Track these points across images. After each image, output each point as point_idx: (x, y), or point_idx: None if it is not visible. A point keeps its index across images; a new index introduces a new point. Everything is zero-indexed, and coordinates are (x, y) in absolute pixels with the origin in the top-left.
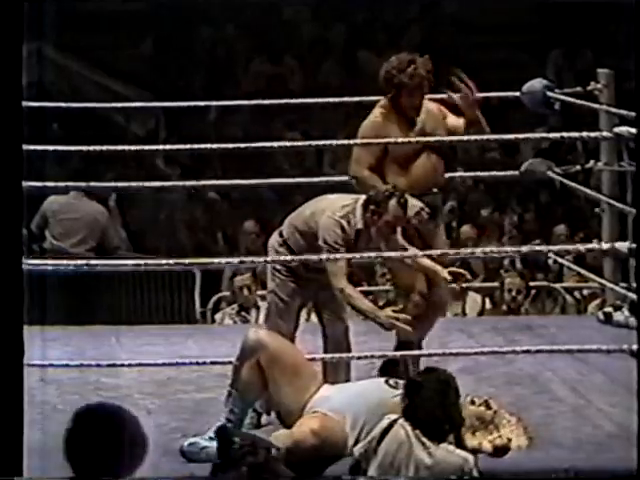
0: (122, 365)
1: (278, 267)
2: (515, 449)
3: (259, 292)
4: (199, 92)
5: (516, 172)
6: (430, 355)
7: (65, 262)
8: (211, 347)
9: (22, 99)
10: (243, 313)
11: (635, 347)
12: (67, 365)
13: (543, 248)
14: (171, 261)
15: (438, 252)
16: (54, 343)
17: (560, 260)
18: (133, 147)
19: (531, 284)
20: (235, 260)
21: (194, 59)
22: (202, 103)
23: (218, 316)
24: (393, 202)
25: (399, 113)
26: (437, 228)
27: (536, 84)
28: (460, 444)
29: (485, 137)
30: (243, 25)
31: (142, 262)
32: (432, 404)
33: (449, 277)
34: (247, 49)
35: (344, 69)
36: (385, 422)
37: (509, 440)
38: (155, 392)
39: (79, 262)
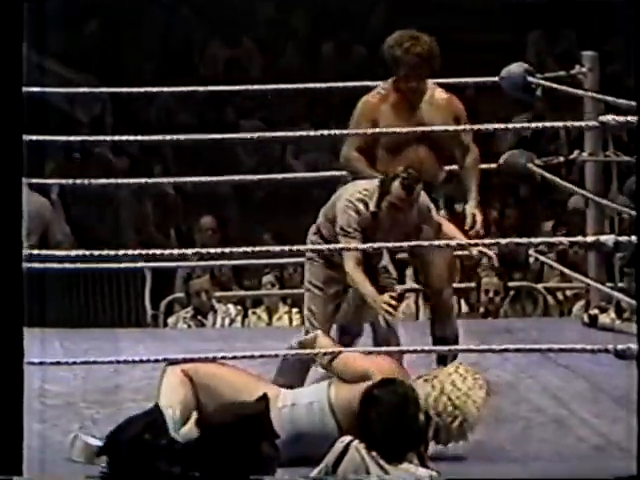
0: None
1: (311, 254)
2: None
3: (217, 294)
4: (150, 77)
5: (494, 165)
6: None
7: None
8: (163, 353)
9: (22, 100)
10: (199, 317)
11: (620, 347)
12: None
13: (523, 241)
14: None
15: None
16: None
17: (542, 258)
18: (81, 137)
19: (510, 284)
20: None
21: (144, 41)
22: (153, 89)
23: (171, 320)
24: (396, 184)
25: (399, 95)
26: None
27: (515, 68)
28: (423, 462)
29: (467, 127)
30: (197, 5)
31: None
32: (389, 419)
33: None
34: (202, 31)
35: (305, 53)
36: (339, 446)
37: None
38: (101, 400)
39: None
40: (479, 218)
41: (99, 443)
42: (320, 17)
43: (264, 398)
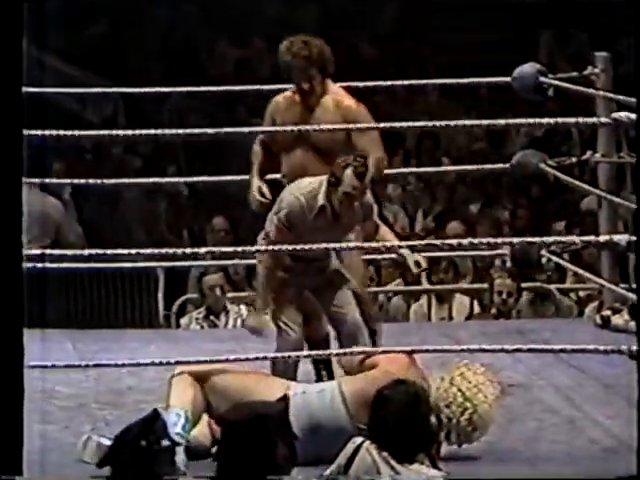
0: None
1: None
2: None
3: (230, 294)
4: (158, 77)
5: (506, 165)
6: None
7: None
8: (175, 354)
9: (22, 100)
10: (212, 317)
11: (635, 348)
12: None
13: (536, 240)
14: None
15: (425, 242)
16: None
17: (555, 259)
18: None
19: (523, 285)
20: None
21: (152, 41)
22: (166, 89)
23: (184, 320)
24: (348, 172)
25: (298, 98)
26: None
27: (527, 68)
28: (434, 463)
29: (473, 123)
30: (206, 5)
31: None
32: (400, 420)
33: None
34: (211, 31)
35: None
36: (350, 447)
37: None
38: (113, 402)
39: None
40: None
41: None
42: (330, 16)
43: (284, 399)
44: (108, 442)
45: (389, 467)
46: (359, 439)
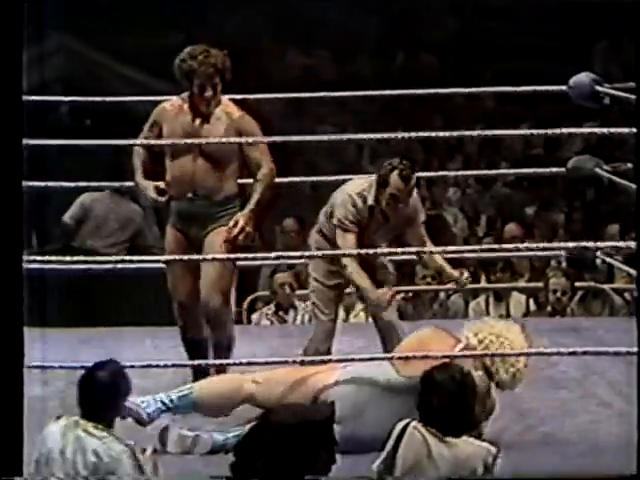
0: (152, 366)
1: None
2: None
3: (298, 292)
4: (230, 84)
5: (562, 169)
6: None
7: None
8: (247, 348)
9: (22, 95)
10: (281, 313)
11: None
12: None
13: (590, 245)
14: (209, 257)
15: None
16: (85, 345)
17: (609, 260)
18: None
19: (577, 285)
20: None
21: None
22: (237, 96)
23: (255, 316)
24: (394, 175)
25: (190, 108)
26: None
27: (583, 77)
28: (479, 438)
29: (529, 132)
30: (274, 15)
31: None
32: (448, 405)
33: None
34: (278, 40)
35: (378, 61)
36: (398, 428)
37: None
38: None
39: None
40: (241, 223)
41: (192, 434)
42: (391, 25)
43: (331, 405)
44: (190, 433)
45: (437, 439)
46: (406, 420)
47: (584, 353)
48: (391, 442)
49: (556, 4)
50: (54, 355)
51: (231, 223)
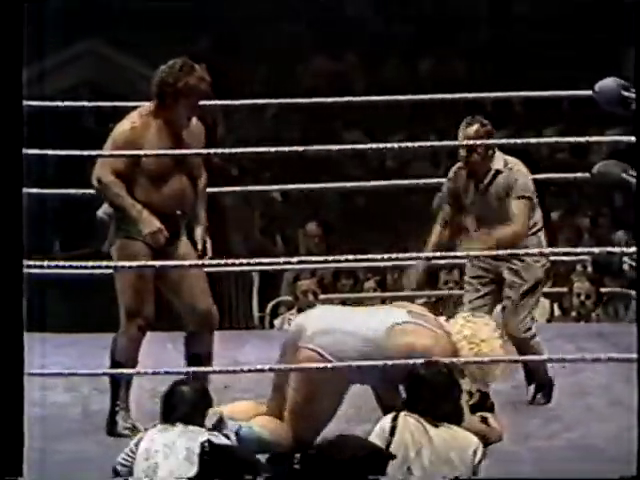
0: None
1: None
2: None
3: (321, 296)
4: (257, 90)
5: (587, 174)
6: (482, 362)
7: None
8: (270, 353)
9: (22, 102)
10: None
11: None
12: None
13: (616, 250)
14: (237, 261)
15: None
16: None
17: (635, 265)
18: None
19: (602, 290)
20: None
21: (252, 57)
22: (261, 101)
23: (277, 321)
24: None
25: (164, 122)
26: (177, 251)
27: (610, 82)
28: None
29: (554, 139)
30: (303, 21)
31: (202, 262)
32: (436, 396)
33: None
34: (307, 46)
35: (408, 67)
36: (388, 417)
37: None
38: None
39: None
40: (209, 245)
41: (226, 442)
42: (423, 33)
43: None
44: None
45: (432, 425)
46: (392, 414)
47: (608, 360)
48: (384, 435)
49: (585, 11)
50: (73, 361)
51: (199, 245)
